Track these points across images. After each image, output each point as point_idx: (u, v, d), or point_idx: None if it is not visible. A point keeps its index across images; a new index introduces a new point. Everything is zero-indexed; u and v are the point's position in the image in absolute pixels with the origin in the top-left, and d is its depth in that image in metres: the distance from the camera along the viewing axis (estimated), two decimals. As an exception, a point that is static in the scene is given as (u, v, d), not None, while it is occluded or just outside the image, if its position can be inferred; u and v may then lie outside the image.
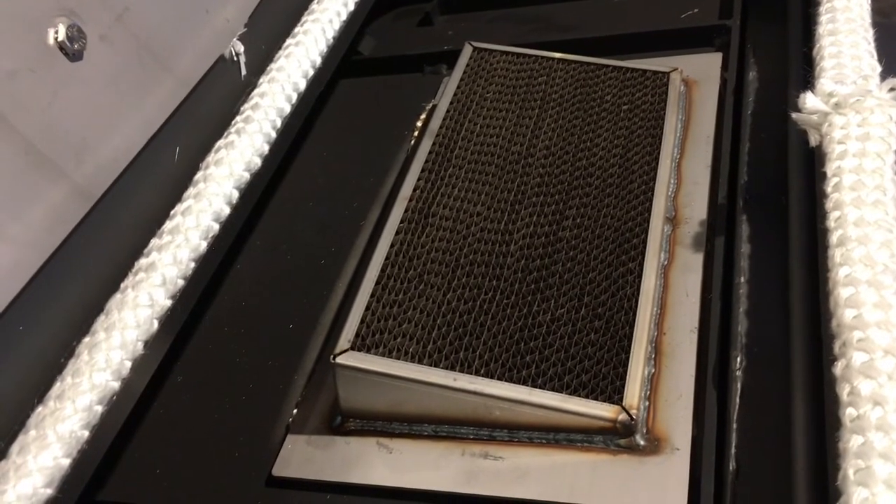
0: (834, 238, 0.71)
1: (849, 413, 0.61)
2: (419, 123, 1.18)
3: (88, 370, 0.72)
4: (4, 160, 0.76)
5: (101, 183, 0.84)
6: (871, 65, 0.83)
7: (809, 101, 0.80)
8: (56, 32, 0.79)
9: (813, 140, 0.81)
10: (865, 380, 0.61)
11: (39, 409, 0.72)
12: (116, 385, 0.74)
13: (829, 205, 0.73)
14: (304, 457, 0.81)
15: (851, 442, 0.59)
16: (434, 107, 1.12)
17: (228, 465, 0.83)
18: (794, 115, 0.82)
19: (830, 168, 0.76)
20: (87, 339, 0.76)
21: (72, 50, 0.80)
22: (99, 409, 0.72)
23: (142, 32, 0.89)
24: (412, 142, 1.15)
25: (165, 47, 0.92)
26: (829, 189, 0.74)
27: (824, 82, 0.81)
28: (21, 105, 0.76)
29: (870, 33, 0.86)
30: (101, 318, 0.78)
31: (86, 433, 0.72)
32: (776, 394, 0.73)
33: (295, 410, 0.86)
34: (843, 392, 0.62)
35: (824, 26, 0.87)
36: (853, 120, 0.77)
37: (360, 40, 1.35)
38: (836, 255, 0.69)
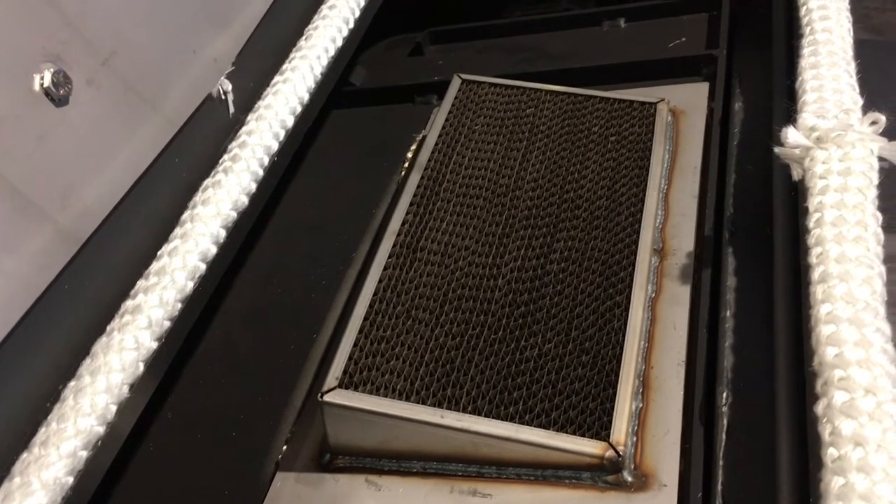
0: (816, 274, 0.71)
1: (830, 453, 0.61)
2: (409, 155, 1.19)
3: (73, 415, 0.72)
4: None
5: (88, 225, 0.84)
6: (853, 98, 0.83)
7: (791, 135, 0.80)
8: (42, 79, 0.80)
9: (796, 174, 0.81)
10: (846, 419, 0.61)
11: (24, 455, 0.72)
12: (101, 430, 0.74)
13: (811, 241, 0.73)
14: (293, 494, 0.81)
15: (833, 483, 0.59)
16: (423, 138, 1.12)
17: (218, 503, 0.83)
18: (777, 150, 0.83)
19: (812, 203, 0.76)
20: (72, 384, 0.76)
21: (57, 95, 0.80)
22: (84, 454, 0.72)
23: (129, 75, 0.89)
24: (402, 174, 1.16)
25: (153, 88, 0.93)
26: (811, 224, 0.74)
27: (806, 116, 0.81)
28: (5, 151, 0.77)
29: (852, 66, 0.87)
30: (87, 361, 0.78)
31: (70, 479, 0.71)
32: (762, 430, 0.73)
33: (284, 447, 0.86)
34: (825, 432, 0.62)
35: (806, 59, 0.88)
36: (835, 154, 0.77)
37: (352, 70, 1.36)
38: (817, 291, 0.69)
